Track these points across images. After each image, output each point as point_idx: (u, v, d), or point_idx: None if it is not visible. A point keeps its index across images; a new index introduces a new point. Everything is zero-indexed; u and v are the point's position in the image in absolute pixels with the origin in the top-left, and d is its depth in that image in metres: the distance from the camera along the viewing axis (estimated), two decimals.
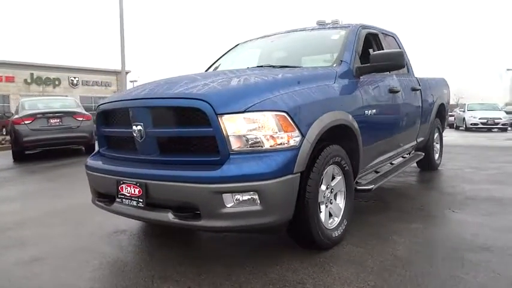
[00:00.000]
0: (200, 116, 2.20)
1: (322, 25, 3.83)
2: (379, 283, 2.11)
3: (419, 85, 4.51)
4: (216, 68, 4.01)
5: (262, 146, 2.17)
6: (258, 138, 2.17)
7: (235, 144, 2.16)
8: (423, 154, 4.86)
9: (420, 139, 4.76)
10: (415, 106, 4.36)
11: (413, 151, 4.83)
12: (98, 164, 2.72)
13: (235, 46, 4.36)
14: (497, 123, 17.88)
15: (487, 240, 2.69)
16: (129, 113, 2.48)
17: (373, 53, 3.17)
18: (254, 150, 2.17)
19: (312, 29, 3.81)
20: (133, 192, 2.37)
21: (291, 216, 2.27)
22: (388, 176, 3.63)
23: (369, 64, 3.14)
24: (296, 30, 3.91)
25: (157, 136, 2.39)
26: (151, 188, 2.29)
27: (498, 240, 2.69)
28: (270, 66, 3.27)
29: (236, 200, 2.12)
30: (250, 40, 4.33)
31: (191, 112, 2.24)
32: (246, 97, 2.24)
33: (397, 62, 3.10)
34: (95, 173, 2.69)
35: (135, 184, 2.35)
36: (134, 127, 2.42)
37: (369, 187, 3.15)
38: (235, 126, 2.16)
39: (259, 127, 2.17)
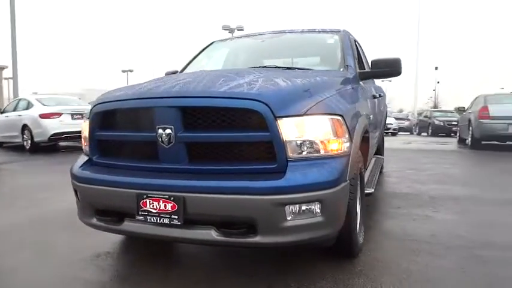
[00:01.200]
0: (255, 118, 1.95)
1: (311, 29, 3.79)
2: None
3: (382, 92, 4.80)
4: (199, 67, 3.67)
5: (318, 152, 2.02)
6: (316, 144, 2.01)
7: (293, 150, 1.97)
8: (383, 157, 5.18)
9: (377, 143, 5.06)
10: (382, 111, 4.62)
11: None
12: (99, 175, 2.23)
13: (211, 44, 4.06)
14: (389, 128, 20.28)
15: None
16: (152, 114, 2.08)
17: (374, 59, 3.22)
18: (312, 157, 2.00)
19: (302, 32, 3.75)
20: (163, 207, 1.99)
21: (342, 225, 2.16)
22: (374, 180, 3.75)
23: (369, 70, 3.19)
24: (285, 32, 3.80)
25: (191, 142, 2.06)
26: (190, 202, 1.94)
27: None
28: (276, 67, 3.10)
29: (297, 212, 1.93)
30: (228, 39, 4.09)
31: (243, 114, 1.98)
32: (302, 99, 2.06)
33: (396, 69, 3.19)
34: (96, 186, 2.20)
35: (167, 198, 1.98)
36: (161, 130, 2.04)
37: (370, 191, 3.19)
38: (293, 131, 1.96)
39: (316, 131, 2.01)
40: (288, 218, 1.90)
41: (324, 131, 2.03)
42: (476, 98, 11.32)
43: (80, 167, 2.37)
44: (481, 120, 9.60)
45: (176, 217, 1.97)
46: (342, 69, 3.08)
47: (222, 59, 3.82)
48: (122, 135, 2.27)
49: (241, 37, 3.96)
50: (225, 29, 33.15)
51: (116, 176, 2.16)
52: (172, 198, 1.97)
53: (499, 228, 3.19)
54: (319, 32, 3.68)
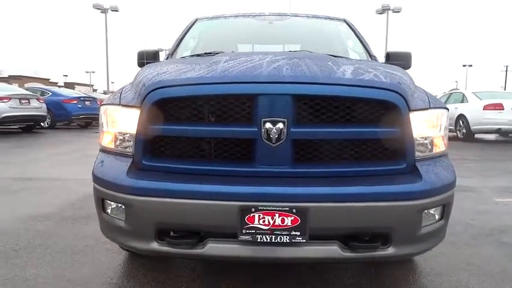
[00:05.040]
0: (387, 112, 1.67)
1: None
2: None
3: None
4: (192, 51, 3.09)
5: (439, 149, 1.85)
6: (436, 140, 1.84)
7: (420, 148, 1.76)
8: None
9: None
10: None
11: None
12: (173, 184, 1.63)
13: (195, 22, 3.46)
14: None
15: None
16: (254, 103, 1.61)
17: (391, 52, 3.17)
18: (433, 155, 1.83)
19: (308, 16, 3.46)
20: (279, 223, 1.57)
21: None
22: None
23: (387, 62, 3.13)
24: (287, 15, 3.46)
25: (304, 139, 1.66)
26: (315, 214, 1.57)
27: None
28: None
29: (429, 217, 1.73)
30: (214, 18, 3.55)
31: (374, 107, 1.67)
32: (417, 91, 1.85)
33: (408, 63, 3.21)
34: (170, 199, 1.61)
35: (287, 211, 1.56)
36: (269, 125, 1.59)
37: None
38: (420, 126, 1.76)
39: (437, 126, 1.84)
40: (423, 225, 1.70)
41: (444, 126, 1.87)
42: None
43: (128, 173, 1.71)
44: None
45: (298, 233, 1.57)
46: (369, 60, 2.94)
47: (217, 40, 3.30)
48: (199, 131, 1.70)
49: (233, 16, 3.46)
50: (96, 8, 30.49)
51: (202, 185, 1.61)
52: (294, 210, 1.56)
53: None
54: (325, 18, 3.47)
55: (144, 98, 1.70)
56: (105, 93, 31.63)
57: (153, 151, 1.76)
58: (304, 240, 1.57)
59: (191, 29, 3.39)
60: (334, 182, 1.65)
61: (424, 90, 1.95)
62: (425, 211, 1.69)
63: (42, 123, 13.30)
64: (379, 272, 2.24)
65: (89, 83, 72.26)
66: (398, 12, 33.16)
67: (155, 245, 1.69)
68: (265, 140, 1.62)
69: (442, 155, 1.87)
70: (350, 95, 1.64)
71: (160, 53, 3.12)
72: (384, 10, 33.00)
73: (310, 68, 1.72)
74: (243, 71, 1.69)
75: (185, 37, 3.26)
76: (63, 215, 3.33)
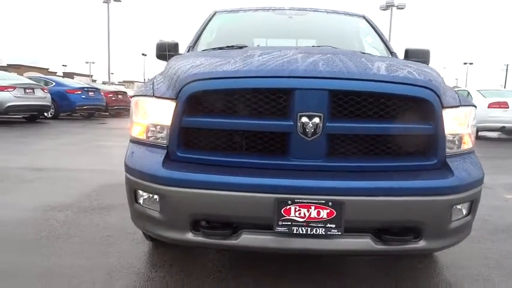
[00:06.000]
0: (420, 108, 1.70)
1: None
2: None
3: None
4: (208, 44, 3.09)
5: (467, 145, 1.88)
6: (464, 137, 1.87)
7: (449, 145, 1.80)
8: None
9: None
10: None
11: None
12: (209, 175, 1.65)
13: (214, 16, 3.46)
14: None
15: None
16: (291, 98, 1.63)
17: (410, 48, 3.18)
18: (461, 152, 1.86)
19: (327, 12, 3.47)
20: (314, 215, 1.60)
21: None
22: None
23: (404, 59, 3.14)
24: (306, 9, 3.46)
25: (338, 133, 1.69)
26: (350, 207, 1.60)
27: None
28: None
29: (458, 212, 1.76)
30: (233, 11, 3.55)
31: (408, 103, 1.69)
32: (447, 89, 1.88)
33: (427, 60, 3.23)
34: (206, 191, 1.63)
35: (323, 204, 1.59)
36: (305, 119, 1.62)
37: None
38: (451, 123, 1.79)
39: (466, 123, 1.87)
40: (452, 220, 1.73)
41: (472, 123, 1.89)
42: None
43: (164, 165, 1.74)
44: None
45: (333, 226, 1.60)
46: (390, 57, 2.96)
47: (238, 33, 3.31)
48: (233, 124, 1.71)
49: (252, 10, 3.46)
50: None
51: (239, 177, 1.64)
52: (330, 203, 1.59)
53: None
54: (344, 14, 3.47)
55: (180, 90, 1.71)
56: (104, 83, 31.52)
57: (187, 143, 1.78)
58: (339, 233, 1.60)
59: (210, 22, 3.39)
60: (368, 176, 1.68)
61: (451, 88, 1.98)
62: (455, 206, 1.72)
63: (45, 114, 13.31)
64: (403, 264, 2.29)
65: (88, 74, 72.12)
66: (402, 8, 33.06)
67: (190, 236, 1.72)
68: (300, 134, 1.64)
69: (469, 152, 1.90)
70: (386, 91, 1.66)
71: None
72: (388, 6, 32.87)
73: (345, 64, 1.74)
74: (280, 65, 1.71)
75: (205, 30, 3.26)
76: (80, 206, 3.36)
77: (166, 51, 3.13)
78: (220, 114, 1.73)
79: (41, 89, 12.14)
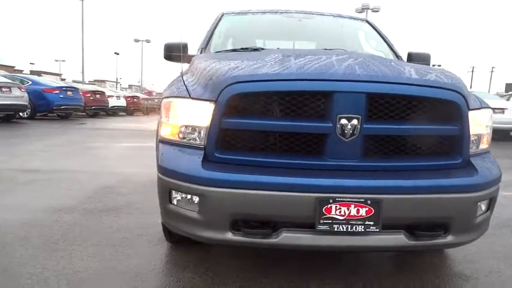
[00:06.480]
0: (448, 110, 1.80)
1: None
2: None
3: None
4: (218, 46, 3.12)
5: (483, 146, 2.00)
6: (484, 137, 1.99)
7: (471, 145, 1.90)
8: None
9: None
10: None
11: None
12: (250, 175, 1.69)
13: (222, 18, 3.48)
14: None
15: None
16: (331, 100, 1.69)
17: (413, 52, 3.31)
18: (481, 151, 1.98)
19: (333, 16, 3.56)
20: (354, 213, 1.67)
21: None
22: None
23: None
24: (312, 13, 3.53)
25: (373, 134, 1.76)
26: (387, 204, 1.68)
27: None
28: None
29: (481, 208, 1.88)
30: (241, 13, 3.58)
31: (437, 105, 1.79)
32: (469, 92, 1.98)
33: (429, 63, 3.36)
34: (247, 191, 1.67)
35: (362, 202, 1.66)
36: (344, 121, 1.68)
37: None
38: (475, 124, 1.89)
39: (486, 124, 1.99)
40: (477, 215, 1.84)
41: (490, 124, 2.01)
42: None
43: (203, 165, 1.76)
44: None
45: (372, 223, 1.68)
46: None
47: (251, 35, 3.36)
48: (273, 125, 1.76)
49: (260, 12, 3.50)
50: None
51: (280, 177, 1.69)
52: (369, 201, 1.66)
53: None
54: (349, 18, 3.58)
55: (221, 92, 1.74)
56: (74, 82, 30.49)
57: (224, 144, 1.81)
58: (377, 230, 1.68)
59: (220, 24, 3.40)
60: (402, 175, 1.76)
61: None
62: (479, 203, 1.83)
63: (21, 113, 12.86)
64: (418, 259, 2.39)
65: (57, 72, 69.81)
66: (377, 11, 33.93)
67: (229, 235, 1.75)
68: (339, 135, 1.70)
69: (487, 151, 2.02)
70: (419, 94, 1.74)
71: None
72: (363, 9, 33.65)
73: (379, 68, 1.82)
74: (319, 69, 1.77)
75: (215, 31, 3.28)
76: (86, 208, 3.31)
77: (175, 52, 3.13)
78: (259, 116, 1.77)
79: (18, 87, 11.73)
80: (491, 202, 1.93)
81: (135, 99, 24.10)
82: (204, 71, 1.96)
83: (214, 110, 1.76)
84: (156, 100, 31.76)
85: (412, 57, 3.23)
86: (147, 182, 4.29)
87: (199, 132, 1.83)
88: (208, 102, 1.78)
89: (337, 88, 1.69)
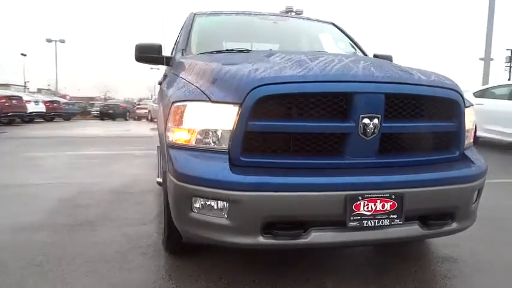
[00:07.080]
0: (448, 108, 1.98)
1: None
2: None
3: None
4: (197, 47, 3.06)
5: (469, 140, 2.22)
6: (470, 132, 2.21)
7: (467, 139, 2.12)
8: None
9: None
10: None
11: None
12: (279, 178, 1.70)
13: (193, 19, 3.39)
14: None
15: None
16: (353, 101, 1.76)
17: (378, 54, 3.54)
18: (468, 146, 2.19)
19: (303, 19, 3.68)
20: (380, 208, 1.76)
21: None
22: None
23: None
24: (284, 16, 3.62)
25: (389, 133, 1.88)
26: (408, 198, 1.80)
27: None
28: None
29: (474, 198, 2.09)
30: (212, 14, 3.54)
31: (439, 104, 1.95)
32: None
33: None
34: (279, 193, 1.68)
35: (387, 197, 1.76)
36: (367, 120, 1.77)
37: None
38: (468, 120, 2.10)
39: (471, 121, 2.21)
40: (473, 203, 2.05)
41: (473, 120, 2.25)
42: None
43: (232, 170, 1.72)
44: None
45: (395, 216, 1.79)
46: None
47: (230, 37, 3.34)
48: (298, 127, 1.78)
49: (234, 14, 3.49)
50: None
51: (309, 178, 1.72)
52: (393, 196, 1.77)
53: None
54: (317, 21, 3.71)
55: (247, 94, 1.72)
56: None
57: (249, 147, 1.79)
58: (401, 222, 1.79)
59: (194, 25, 3.32)
60: (419, 169, 1.90)
61: None
62: (475, 192, 2.04)
63: None
64: (409, 247, 2.59)
65: None
66: (300, 14, 35.56)
67: (261, 239, 1.74)
68: (360, 134, 1.79)
69: (471, 145, 2.26)
70: (428, 93, 1.90)
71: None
72: (287, 11, 35.01)
73: (392, 70, 1.95)
74: (341, 70, 1.84)
75: (191, 33, 3.20)
76: (56, 223, 3.01)
77: (148, 54, 3.01)
78: (283, 118, 1.79)
79: None
80: (479, 191, 2.15)
81: (55, 104, 21.96)
82: (219, 73, 1.93)
83: (239, 112, 1.73)
84: (77, 105, 29.34)
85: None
86: (108, 192, 4.07)
87: (222, 136, 1.79)
88: (232, 105, 1.75)
89: (361, 89, 1.77)
